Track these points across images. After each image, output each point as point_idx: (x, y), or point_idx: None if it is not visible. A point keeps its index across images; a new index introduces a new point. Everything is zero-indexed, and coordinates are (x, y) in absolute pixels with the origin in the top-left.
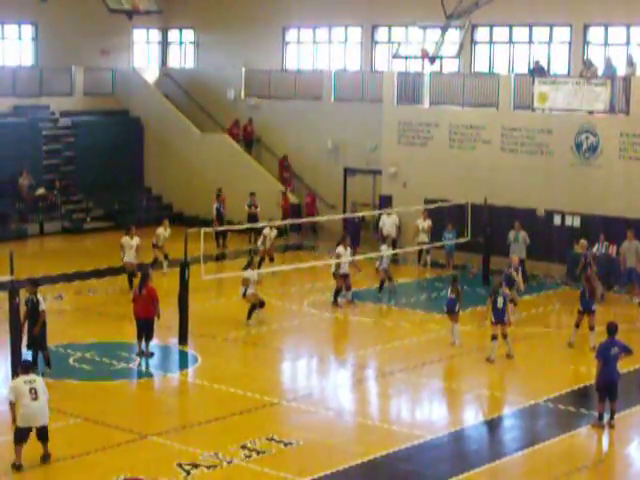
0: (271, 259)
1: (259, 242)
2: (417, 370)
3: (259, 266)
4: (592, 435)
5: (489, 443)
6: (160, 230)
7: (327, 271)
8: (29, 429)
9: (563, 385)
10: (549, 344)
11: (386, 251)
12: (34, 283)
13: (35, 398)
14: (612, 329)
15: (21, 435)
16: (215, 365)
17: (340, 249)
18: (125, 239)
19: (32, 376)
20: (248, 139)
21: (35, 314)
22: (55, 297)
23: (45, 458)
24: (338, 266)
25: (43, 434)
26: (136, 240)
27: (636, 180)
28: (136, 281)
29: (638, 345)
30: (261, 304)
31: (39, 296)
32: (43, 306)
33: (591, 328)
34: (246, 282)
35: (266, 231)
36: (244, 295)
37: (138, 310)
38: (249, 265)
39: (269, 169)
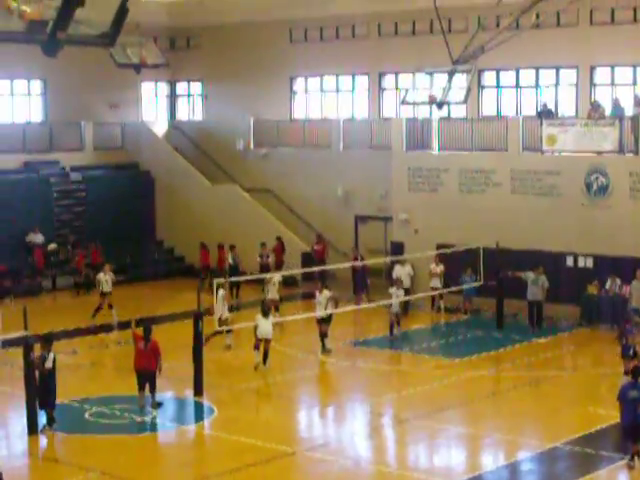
0: (276, 309)
1: (265, 290)
2: (434, 416)
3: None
4: (612, 477)
5: None
6: (100, 275)
7: (340, 319)
8: None
9: (581, 428)
10: (565, 387)
11: (396, 293)
12: (47, 340)
13: None
14: (636, 372)
15: None
16: (231, 416)
17: (316, 294)
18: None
19: None
20: (319, 258)
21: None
22: (70, 352)
23: None
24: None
25: None
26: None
27: None
28: None
29: None
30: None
31: (51, 353)
32: (49, 364)
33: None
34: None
35: (267, 277)
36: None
37: (141, 363)
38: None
39: (280, 218)
